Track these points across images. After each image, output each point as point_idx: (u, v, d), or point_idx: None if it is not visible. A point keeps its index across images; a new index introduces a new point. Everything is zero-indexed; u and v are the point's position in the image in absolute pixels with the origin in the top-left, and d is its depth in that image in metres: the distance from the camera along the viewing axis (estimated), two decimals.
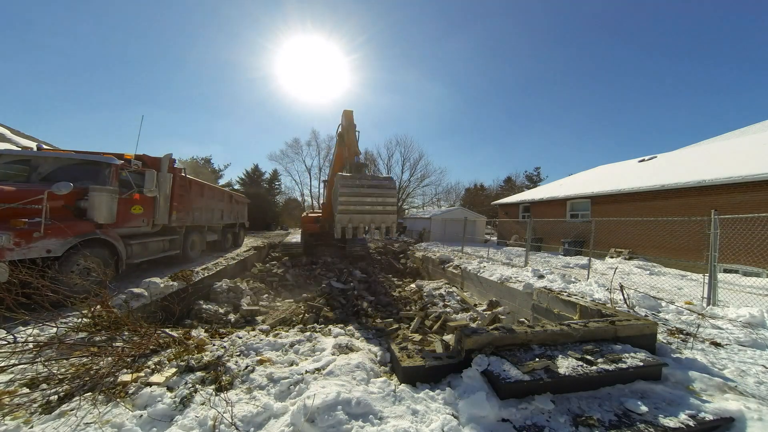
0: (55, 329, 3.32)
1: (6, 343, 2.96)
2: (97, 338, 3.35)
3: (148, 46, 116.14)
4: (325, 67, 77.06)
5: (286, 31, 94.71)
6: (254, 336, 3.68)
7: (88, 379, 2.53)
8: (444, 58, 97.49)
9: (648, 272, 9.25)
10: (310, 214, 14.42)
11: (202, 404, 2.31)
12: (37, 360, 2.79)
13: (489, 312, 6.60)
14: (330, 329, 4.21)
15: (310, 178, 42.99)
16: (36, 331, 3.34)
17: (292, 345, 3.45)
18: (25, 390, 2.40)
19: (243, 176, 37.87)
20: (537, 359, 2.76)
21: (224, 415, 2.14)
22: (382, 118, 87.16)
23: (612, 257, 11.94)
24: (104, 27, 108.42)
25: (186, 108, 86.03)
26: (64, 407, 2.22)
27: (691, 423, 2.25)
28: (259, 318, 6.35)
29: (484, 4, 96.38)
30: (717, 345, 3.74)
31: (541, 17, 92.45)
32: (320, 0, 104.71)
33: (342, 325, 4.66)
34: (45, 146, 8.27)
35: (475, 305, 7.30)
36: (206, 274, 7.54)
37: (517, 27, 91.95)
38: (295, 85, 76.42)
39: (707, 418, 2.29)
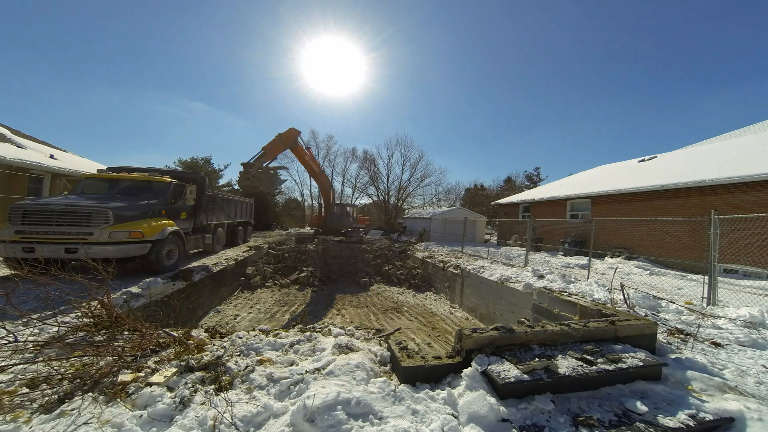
0: (56, 328, 3.33)
1: (7, 342, 2.96)
2: (98, 338, 3.36)
3: (147, 44, 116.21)
4: (343, 65, 77.50)
5: (309, 30, 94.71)
6: (254, 336, 3.68)
7: (88, 378, 2.53)
8: (447, 58, 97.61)
9: (648, 272, 9.24)
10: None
11: (202, 404, 2.30)
12: (37, 359, 2.79)
13: None
14: (330, 329, 4.21)
15: (310, 179, 42.87)
16: (36, 330, 3.35)
17: (292, 345, 3.44)
18: (25, 390, 2.40)
19: None
20: (537, 359, 2.75)
21: (224, 415, 2.14)
22: (386, 117, 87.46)
23: (612, 257, 11.92)
24: (110, 31, 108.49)
25: (187, 108, 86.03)
26: (64, 407, 2.22)
27: (691, 423, 2.24)
28: None
29: (488, 5, 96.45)
30: (717, 345, 3.74)
31: (542, 17, 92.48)
32: (341, 0, 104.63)
33: (342, 326, 4.66)
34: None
35: None
36: (205, 275, 7.59)
37: (519, 27, 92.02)
38: (314, 84, 76.23)
39: (707, 418, 2.29)
